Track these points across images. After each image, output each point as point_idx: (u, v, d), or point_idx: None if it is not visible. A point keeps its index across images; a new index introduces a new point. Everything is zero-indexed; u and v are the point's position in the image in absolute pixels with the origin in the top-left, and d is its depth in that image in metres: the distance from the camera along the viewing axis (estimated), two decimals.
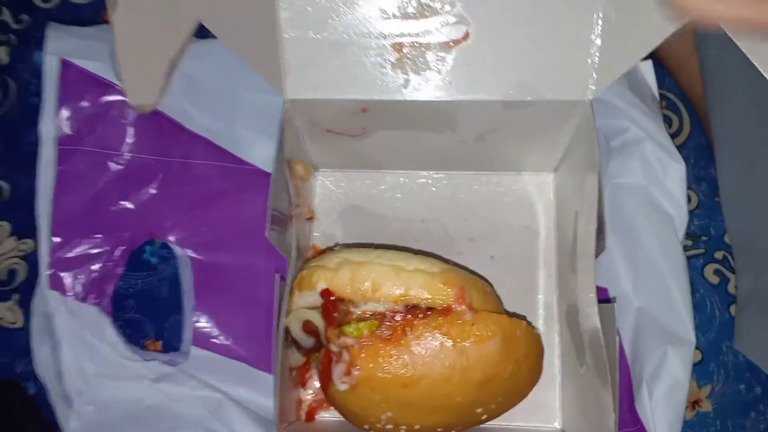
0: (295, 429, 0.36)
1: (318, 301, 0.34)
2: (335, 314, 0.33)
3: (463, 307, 0.31)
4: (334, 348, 0.32)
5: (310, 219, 0.43)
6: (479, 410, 0.33)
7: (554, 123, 0.37)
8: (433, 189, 0.44)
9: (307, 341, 0.35)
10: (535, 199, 0.43)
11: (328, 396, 0.33)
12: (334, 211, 0.44)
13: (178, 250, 0.41)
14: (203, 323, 0.40)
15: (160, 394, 0.37)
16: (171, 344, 0.40)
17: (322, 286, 0.33)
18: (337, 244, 0.42)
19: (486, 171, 0.44)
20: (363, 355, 0.31)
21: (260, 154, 0.42)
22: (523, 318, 0.36)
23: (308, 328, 0.34)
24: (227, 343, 0.39)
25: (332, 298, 0.33)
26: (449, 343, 0.31)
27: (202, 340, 0.39)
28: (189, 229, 0.41)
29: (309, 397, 0.39)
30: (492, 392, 0.32)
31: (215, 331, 0.40)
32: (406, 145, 0.41)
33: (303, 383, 0.39)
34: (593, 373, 0.33)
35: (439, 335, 0.31)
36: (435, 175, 0.44)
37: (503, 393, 0.32)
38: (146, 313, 0.42)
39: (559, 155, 0.41)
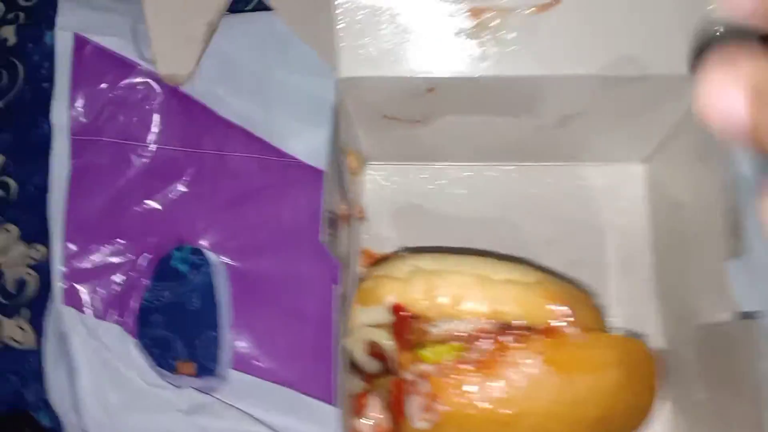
0: None
1: (386, 318, 0.28)
2: (409, 335, 0.27)
3: (570, 326, 0.25)
4: (409, 376, 0.27)
5: (361, 219, 0.38)
6: None
7: (658, 103, 0.31)
8: (503, 184, 0.38)
9: (371, 366, 0.29)
10: (624, 194, 0.37)
11: (401, 430, 0.28)
12: (385, 211, 0.38)
13: (212, 256, 0.35)
14: (243, 342, 0.34)
15: (195, 429, 0.31)
16: (206, 366, 0.35)
17: (391, 300, 0.27)
18: (402, 249, 0.37)
19: (564, 162, 0.37)
20: (448, 386, 0.26)
21: (304, 145, 0.37)
22: (638, 337, 0.30)
23: (374, 350, 0.29)
24: (272, 365, 0.34)
25: (404, 314, 0.27)
26: (556, 373, 0.25)
27: (242, 362, 0.34)
28: (224, 233, 0.36)
29: (367, 428, 0.33)
30: (607, 431, 0.26)
31: (257, 352, 0.34)
32: (472, 133, 0.35)
33: (359, 411, 0.33)
34: (723, 405, 0.27)
35: (541, 362, 0.25)
36: (504, 168, 0.38)
37: (620, 430, 0.27)
38: (177, 329, 0.36)
39: (655, 142, 0.35)
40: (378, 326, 0.28)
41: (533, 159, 0.38)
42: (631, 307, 0.35)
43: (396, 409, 0.27)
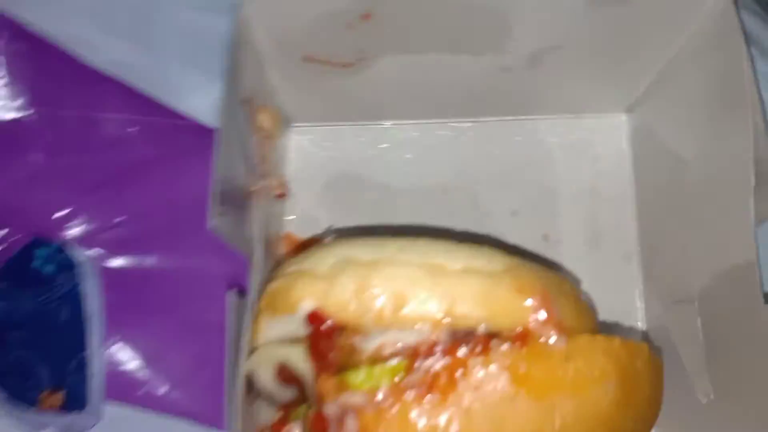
0: None
1: (302, 330, 0.21)
2: (332, 353, 0.20)
3: (550, 329, 0.19)
4: (332, 410, 0.20)
5: (282, 196, 0.30)
6: None
7: (657, 29, 0.25)
8: (458, 145, 0.30)
9: (283, 394, 0.22)
10: (604, 151, 0.30)
11: None
12: (315, 184, 0.30)
13: (80, 252, 0.27)
14: (123, 365, 0.26)
15: None
16: (74, 398, 0.27)
17: (308, 306, 0.19)
18: (328, 233, 0.29)
19: (532, 115, 0.31)
20: (384, 423, 0.19)
21: (201, 100, 0.28)
22: (632, 335, 0.23)
23: (286, 374, 0.22)
24: (161, 392, 0.26)
25: (326, 325, 0.20)
26: (532, 396, 0.18)
27: (121, 390, 0.26)
28: (97, 221, 0.27)
29: None
30: None
31: (142, 375, 0.26)
32: (421, 80, 0.28)
33: None
34: (731, 405, 0.21)
35: (512, 382, 0.18)
36: (460, 125, 0.30)
37: None
38: (39, 350, 0.28)
39: (642, 85, 0.29)
40: (291, 342, 0.21)
41: (495, 112, 0.31)
42: (611, 289, 0.28)
43: None
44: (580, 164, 0.30)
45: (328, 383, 0.19)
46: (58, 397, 0.27)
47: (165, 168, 0.28)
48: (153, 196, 0.28)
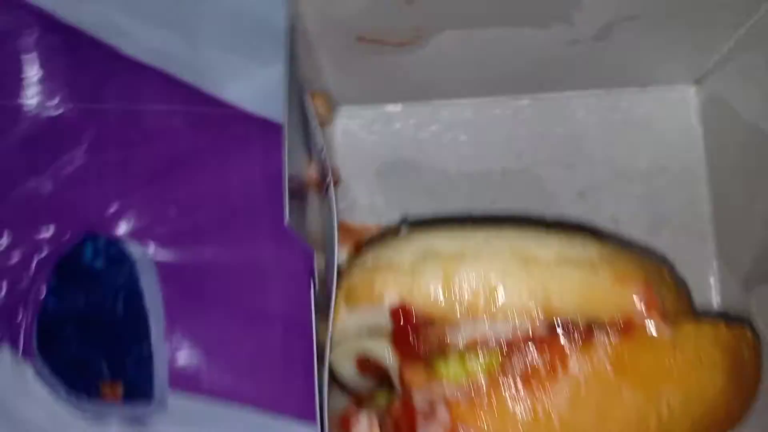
0: None
1: (385, 322, 0.20)
2: (419, 345, 0.20)
3: (654, 318, 0.19)
4: (420, 400, 0.20)
5: (335, 183, 0.29)
6: None
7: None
8: (516, 123, 0.29)
9: (363, 384, 0.22)
10: (672, 125, 0.29)
11: None
12: (365, 170, 0.29)
13: (134, 247, 0.27)
14: (185, 355, 0.26)
15: None
16: (137, 389, 0.27)
17: (392, 299, 0.19)
18: (402, 223, 0.28)
19: (594, 89, 0.29)
20: (477, 415, 0.19)
21: (249, 88, 0.27)
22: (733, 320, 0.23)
23: (367, 365, 0.21)
24: (225, 381, 0.26)
25: (412, 319, 0.20)
26: (637, 387, 0.18)
27: (184, 380, 0.25)
28: (148, 215, 0.27)
29: None
30: None
31: (205, 366, 0.26)
32: (479, 56, 0.27)
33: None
34: None
35: (616, 374, 0.18)
36: (517, 102, 0.29)
37: None
38: (95, 344, 0.28)
39: (718, 53, 0.28)
40: (373, 334, 0.21)
41: (555, 87, 0.29)
42: (684, 270, 0.27)
43: None
44: (647, 140, 0.29)
45: (417, 372, 0.19)
46: (119, 389, 0.27)
47: (213, 159, 0.27)
48: (203, 188, 0.27)
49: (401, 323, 0.19)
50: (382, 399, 0.23)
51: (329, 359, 0.21)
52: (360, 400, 0.25)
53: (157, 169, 0.29)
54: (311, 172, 0.26)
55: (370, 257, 0.20)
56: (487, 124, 0.30)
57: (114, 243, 0.29)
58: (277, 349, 0.27)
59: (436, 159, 0.30)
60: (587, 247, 0.19)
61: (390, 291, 0.19)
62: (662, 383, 0.18)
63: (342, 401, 0.25)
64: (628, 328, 0.18)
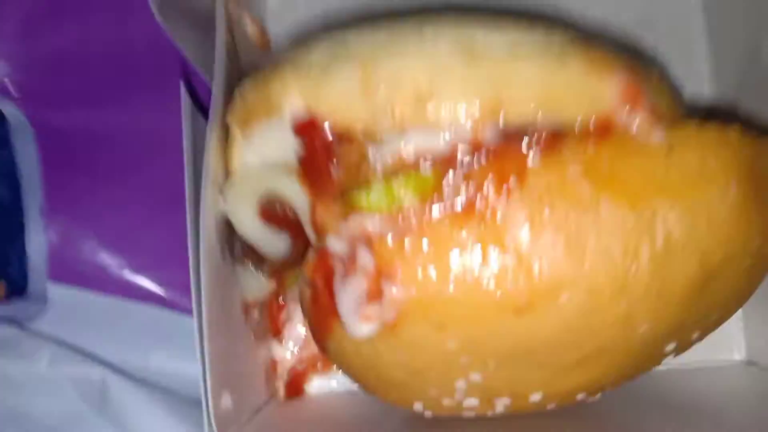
0: (269, 418, 0.19)
1: (290, 146, 0.16)
2: (331, 170, 0.15)
3: (641, 117, 0.14)
4: (335, 245, 0.15)
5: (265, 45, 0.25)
6: (671, 346, 0.15)
7: None
8: None
9: (272, 243, 0.17)
10: None
11: (328, 348, 0.16)
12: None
13: (9, 108, 0.22)
14: (69, 239, 0.21)
15: None
16: (16, 284, 0.22)
17: (295, 107, 0.14)
18: (319, 27, 0.22)
19: None
20: (409, 254, 0.14)
21: None
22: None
23: (274, 213, 0.17)
24: (119, 270, 0.21)
25: (322, 133, 0.15)
26: (621, 201, 0.14)
27: (68, 270, 0.21)
28: (24, 65, 0.22)
29: (289, 354, 0.22)
30: (712, 299, 0.14)
31: (93, 251, 0.21)
32: None
33: (276, 331, 0.22)
34: None
35: (591, 187, 0.14)
36: None
37: (733, 290, 0.15)
38: None
39: None
40: (276, 167, 0.16)
41: None
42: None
43: (319, 309, 0.16)
44: None
45: (330, 210, 0.15)
46: (2, 287, 0.22)
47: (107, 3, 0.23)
48: (95, 37, 0.23)
49: (309, 143, 0.15)
50: (293, 280, 0.19)
51: (221, 206, 0.17)
52: (280, 277, 0.21)
53: (36, 5, 0.24)
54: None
55: (269, 65, 0.16)
56: None
57: None
58: (174, 234, 0.23)
59: None
60: (552, 35, 0.14)
61: (292, 98, 0.14)
62: (654, 198, 0.13)
63: (259, 286, 0.20)
64: (605, 129, 0.13)
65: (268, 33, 0.24)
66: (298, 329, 0.23)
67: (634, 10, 0.21)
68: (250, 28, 0.24)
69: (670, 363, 0.18)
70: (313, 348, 0.24)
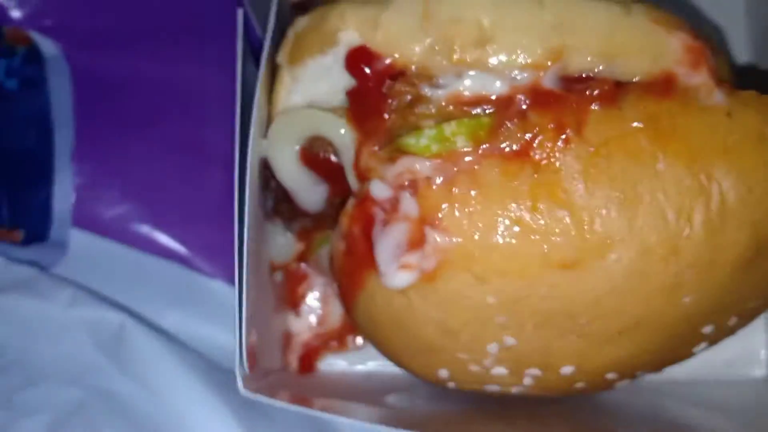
0: (276, 385, 0.18)
1: (342, 84, 0.15)
2: (383, 110, 0.15)
3: (706, 77, 0.14)
4: (379, 190, 0.15)
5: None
6: (708, 329, 0.15)
7: None
8: None
9: (310, 192, 0.17)
10: None
11: (357, 308, 0.16)
12: None
13: (47, 46, 0.22)
14: (94, 187, 0.21)
15: (6, 319, 0.18)
16: (36, 231, 0.22)
17: (350, 39, 0.14)
18: None
19: None
20: (456, 200, 0.14)
21: None
22: None
23: (316, 158, 0.16)
24: (141, 223, 0.21)
25: (376, 67, 0.14)
26: (678, 159, 0.13)
27: (91, 218, 0.20)
28: (65, 3, 0.21)
29: (305, 329, 0.21)
30: (757, 279, 0.14)
31: (118, 201, 0.21)
32: None
33: (294, 303, 0.21)
34: None
35: (650, 140, 0.14)
36: None
37: None
38: None
39: None
40: (326, 107, 0.16)
41: None
42: None
43: (352, 260, 0.15)
44: None
45: (377, 153, 0.14)
46: (18, 234, 0.21)
47: None
48: None
49: (362, 79, 0.15)
50: (321, 241, 0.18)
51: (261, 147, 0.16)
52: (309, 240, 0.20)
53: None
54: None
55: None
56: None
57: (27, 57, 0.24)
58: (206, 187, 0.22)
59: None
60: None
61: (348, 27, 0.14)
62: (712, 159, 0.13)
63: (286, 249, 0.20)
64: (667, 85, 0.13)
65: None
66: (316, 304, 0.23)
67: None
68: None
69: (691, 371, 0.18)
70: (329, 325, 0.24)
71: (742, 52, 0.21)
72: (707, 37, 0.15)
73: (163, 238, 0.22)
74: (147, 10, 0.22)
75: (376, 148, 0.14)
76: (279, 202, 0.18)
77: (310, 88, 0.16)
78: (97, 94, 0.22)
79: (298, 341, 0.23)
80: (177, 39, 0.22)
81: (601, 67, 0.13)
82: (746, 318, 0.16)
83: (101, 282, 0.20)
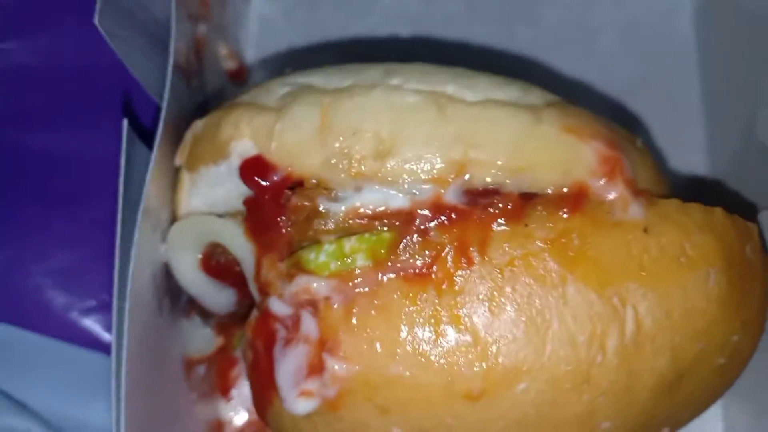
0: None
1: (237, 193, 0.15)
2: (280, 223, 0.14)
3: (621, 187, 0.13)
4: (278, 308, 0.14)
5: (241, 76, 0.23)
6: None
7: None
8: None
9: (214, 296, 0.16)
10: None
11: (267, 420, 0.15)
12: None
13: None
14: (16, 272, 0.19)
15: None
16: None
17: (244, 149, 0.13)
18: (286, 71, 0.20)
19: None
20: (356, 324, 0.13)
21: None
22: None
23: (215, 263, 0.16)
24: (64, 311, 0.19)
25: (271, 179, 0.14)
26: (589, 282, 0.13)
27: (8, 305, 0.19)
28: None
29: (239, 417, 0.20)
30: (683, 398, 0.13)
31: (40, 288, 0.19)
32: None
33: (225, 389, 0.20)
34: None
35: (559, 263, 0.13)
36: None
37: (706, 389, 0.13)
38: None
39: None
40: (223, 214, 0.15)
41: None
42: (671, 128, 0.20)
43: (259, 378, 0.14)
44: None
45: (276, 267, 0.14)
46: None
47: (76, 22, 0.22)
48: (61, 56, 0.22)
49: (258, 192, 0.14)
50: (240, 337, 0.17)
51: (164, 254, 0.15)
52: (227, 333, 0.19)
53: None
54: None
55: (227, 103, 0.15)
56: None
57: None
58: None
59: None
60: (529, 92, 0.13)
61: (242, 136, 0.13)
62: (627, 281, 0.12)
63: (205, 341, 0.19)
64: (578, 199, 0.12)
65: (245, 64, 0.24)
66: (248, 389, 0.22)
67: (630, 71, 0.21)
68: (224, 58, 0.23)
69: None
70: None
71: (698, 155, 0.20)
72: (630, 137, 0.15)
73: (88, 325, 0.20)
74: (69, 86, 0.22)
75: (277, 260, 0.14)
76: (192, 299, 0.17)
77: (208, 193, 0.15)
78: (18, 173, 0.21)
79: (231, 429, 0.22)
80: (102, 115, 0.21)
81: (507, 181, 0.13)
82: (680, 427, 0.15)
83: (16, 376, 0.19)
